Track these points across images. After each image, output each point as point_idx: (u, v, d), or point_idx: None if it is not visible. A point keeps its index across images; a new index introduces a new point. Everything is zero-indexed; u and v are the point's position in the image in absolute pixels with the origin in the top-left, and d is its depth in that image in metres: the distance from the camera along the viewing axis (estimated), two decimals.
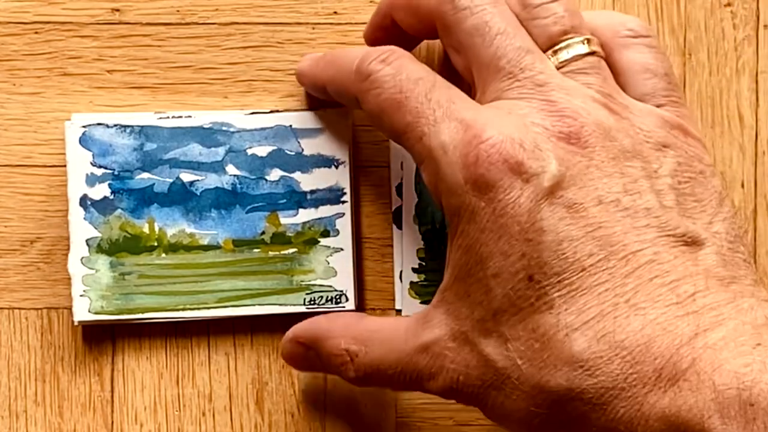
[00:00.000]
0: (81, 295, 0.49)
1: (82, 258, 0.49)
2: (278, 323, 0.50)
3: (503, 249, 0.42)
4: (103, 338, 0.51)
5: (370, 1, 0.51)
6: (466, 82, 0.46)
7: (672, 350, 0.40)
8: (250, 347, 0.51)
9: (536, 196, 0.41)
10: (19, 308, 0.51)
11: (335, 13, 0.51)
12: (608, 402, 0.40)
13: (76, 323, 0.49)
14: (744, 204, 0.51)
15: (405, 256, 0.50)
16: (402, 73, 0.44)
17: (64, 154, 0.50)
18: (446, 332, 0.44)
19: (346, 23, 0.51)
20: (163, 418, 0.51)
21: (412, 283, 0.50)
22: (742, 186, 0.51)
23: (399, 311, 0.51)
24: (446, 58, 0.48)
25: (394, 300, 0.51)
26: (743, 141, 0.51)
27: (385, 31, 0.48)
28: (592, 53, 0.45)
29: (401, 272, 0.50)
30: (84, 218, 0.49)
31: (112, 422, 0.51)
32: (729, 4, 0.51)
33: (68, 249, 0.50)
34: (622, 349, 0.40)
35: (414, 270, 0.50)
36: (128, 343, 0.51)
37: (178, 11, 0.51)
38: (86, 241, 0.49)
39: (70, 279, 0.49)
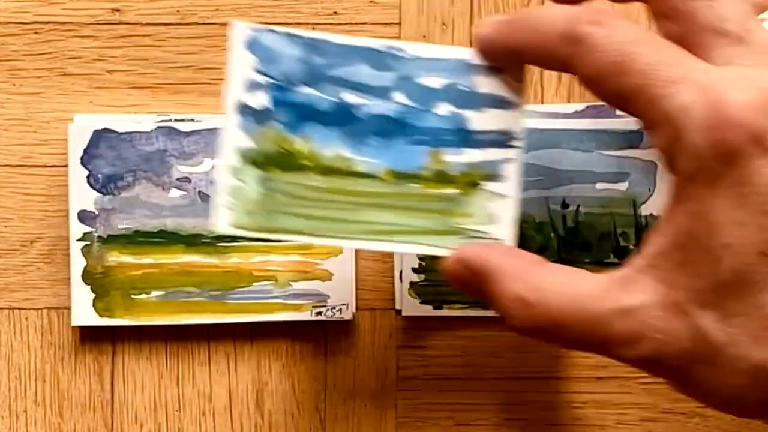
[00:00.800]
0: (227, 207, 0.44)
1: (232, 168, 0.44)
2: (278, 324, 0.50)
3: (740, 219, 0.39)
4: (103, 338, 0.51)
5: (370, 2, 0.51)
6: None
7: None
8: (250, 348, 0.51)
9: None
10: (19, 308, 0.51)
11: (335, 13, 0.51)
12: None
13: (219, 231, 0.43)
14: None
15: (405, 256, 0.50)
16: (619, 34, 0.42)
17: (65, 154, 0.50)
18: (655, 299, 0.41)
19: (346, 23, 0.51)
20: (163, 418, 0.51)
21: (412, 283, 0.50)
22: None
23: (399, 312, 0.51)
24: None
25: (394, 300, 0.51)
26: None
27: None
28: None
29: (401, 272, 0.50)
30: (238, 126, 0.44)
31: (112, 422, 0.51)
32: None
33: (68, 249, 0.50)
34: None
35: (414, 270, 0.50)
36: (128, 344, 0.51)
37: (178, 11, 0.51)
38: (238, 150, 0.44)
39: (69, 278, 0.49)
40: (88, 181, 0.49)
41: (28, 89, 0.51)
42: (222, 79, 0.51)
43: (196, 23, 0.51)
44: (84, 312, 0.49)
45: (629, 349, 0.41)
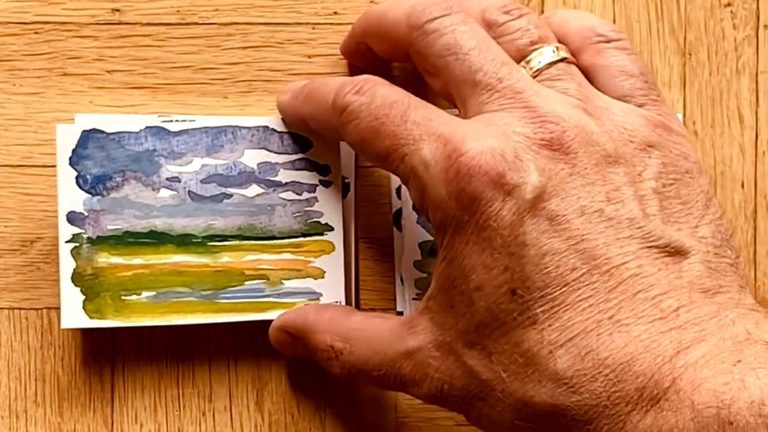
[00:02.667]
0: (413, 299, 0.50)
1: (415, 262, 0.50)
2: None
3: (486, 262, 0.41)
4: (103, 339, 0.51)
5: (370, 2, 0.51)
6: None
7: (654, 369, 0.39)
8: (250, 348, 0.51)
9: (518, 209, 0.41)
10: (19, 308, 0.51)
11: (335, 13, 0.51)
12: (592, 419, 0.40)
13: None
14: (744, 204, 0.51)
15: (405, 257, 0.50)
16: (376, 99, 0.44)
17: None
18: (431, 340, 0.44)
19: (346, 23, 0.51)
20: (163, 418, 0.51)
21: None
22: (742, 186, 0.51)
23: (401, 313, 0.51)
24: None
25: (394, 300, 0.51)
26: (743, 141, 0.51)
27: (361, 54, 0.49)
28: (562, 59, 0.45)
29: (401, 274, 0.50)
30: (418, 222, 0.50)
31: (112, 422, 0.51)
32: (729, 4, 0.51)
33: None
34: (605, 367, 0.40)
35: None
36: (128, 344, 0.51)
37: (178, 11, 0.51)
38: (419, 244, 0.50)
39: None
40: (77, 182, 0.49)
41: (28, 89, 0.51)
42: (223, 79, 0.51)
43: (196, 23, 0.51)
44: (74, 314, 0.48)
45: (417, 388, 0.44)
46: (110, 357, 0.51)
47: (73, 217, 0.49)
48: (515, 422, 0.42)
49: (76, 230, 0.49)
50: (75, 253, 0.49)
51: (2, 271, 0.51)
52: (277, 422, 0.51)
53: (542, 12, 0.51)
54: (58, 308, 0.50)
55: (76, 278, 0.49)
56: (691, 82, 0.51)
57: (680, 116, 0.50)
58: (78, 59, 0.51)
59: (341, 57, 0.51)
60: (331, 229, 0.49)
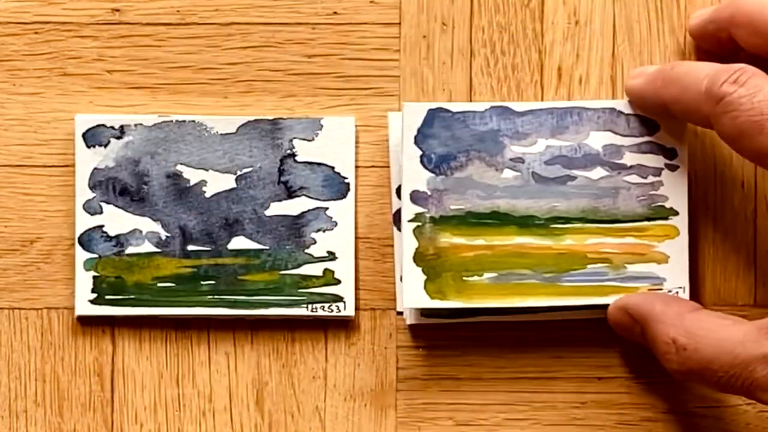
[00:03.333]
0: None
1: None
2: (278, 323, 0.50)
3: None
4: (103, 338, 0.51)
5: (371, 2, 0.51)
6: None
7: None
8: (250, 347, 0.51)
9: None
10: (19, 308, 0.51)
11: (335, 13, 0.51)
12: None
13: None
14: (744, 204, 0.51)
15: (405, 257, 0.50)
16: (759, 93, 0.43)
17: (65, 154, 0.50)
18: None
19: (346, 23, 0.51)
20: (163, 418, 0.51)
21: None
22: (742, 186, 0.51)
23: (400, 313, 0.51)
24: None
25: (394, 300, 0.51)
26: None
27: (716, 41, 0.48)
28: None
29: (402, 275, 0.50)
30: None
31: (112, 422, 0.51)
32: None
33: (69, 249, 0.50)
34: None
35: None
36: (128, 343, 0.51)
37: (178, 11, 0.51)
38: None
39: (70, 279, 0.49)
40: (422, 161, 0.48)
41: (28, 89, 0.51)
42: (223, 79, 0.51)
43: (196, 23, 0.51)
44: (416, 294, 0.48)
45: None
46: (110, 357, 0.51)
47: (416, 197, 0.48)
48: None
49: (419, 209, 0.48)
50: (417, 232, 0.49)
51: (2, 271, 0.51)
52: (277, 422, 0.51)
53: (542, 13, 0.51)
54: (58, 308, 0.50)
55: (418, 258, 0.48)
56: None
57: None
58: (78, 59, 0.51)
59: (341, 57, 0.51)
60: (676, 213, 0.49)
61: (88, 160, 0.49)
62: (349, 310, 0.50)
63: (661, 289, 0.49)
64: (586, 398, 0.51)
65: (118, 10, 0.51)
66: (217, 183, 0.49)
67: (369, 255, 0.51)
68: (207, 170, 0.49)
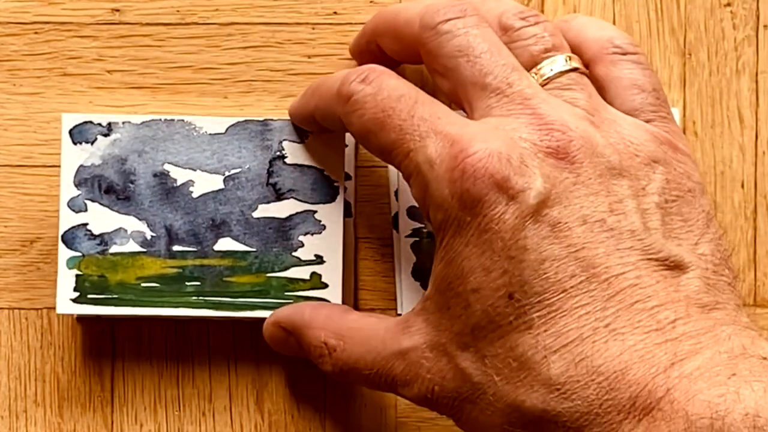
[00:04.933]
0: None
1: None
2: None
3: (485, 264, 0.41)
4: (103, 338, 0.51)
5: (371, 2, 0.51)
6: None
7: (648, 379, 0.39)
8: (250, 347, 0.51)
9: (521, 214, 0.41)
10: (19, 308, 0.51)
11: (335, 13, 0.51)
12: (583, 427, 0.40)
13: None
14: (744, 204, 0.51)
15: (404, 259, 0.50)
16: (383, 91, 0.44)
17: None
18: (425, 341, 0.44)
19: (346, 23, 0.51)
20: (163, 418, 0.51)
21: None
22: (742, 186, 0.51)
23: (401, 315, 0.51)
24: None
25: (394, 300, 0.51)
26: (743, 141, 0.51)
27: (371, 54, 0.49)
28: (574, 69, 0.45)
29: (401, 277, 0.50)
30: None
31: (112, 422, 0.51)
32: (729, 4, 0.51)
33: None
34: (598, 375, 0.40)
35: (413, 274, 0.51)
36: (128, 343, 0.51)
37: (178, 11, 0.51)
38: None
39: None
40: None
41: (28, 89, 0.51)
42: (223, 79, 0.51)
43: (196, 23, 0.51)
44: (409, 307, 0.49)
45: (408, 389, 0.44)
46: (110, 357, 0.51)
47: (414, 213, 0.49)
48: (505, 427, 0.42)
49: (417, 225, 0.50)
50: (416, 247, 0.49)
51: (2, 271, 0.51)
52: (277, 422, 0.51)
53: (542, 13, 0.51)
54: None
55: (416, 273, 0.49)
56: (691, 82, 0.51)
57: (680, 116, 0.50)
58: (78, 59, 0.51)
59: (341, 57, 0.51)
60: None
61: (74, 157, 0.49)
62: None
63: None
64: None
65: (118, 10, 0.51)
66: (205, 183, 0.49)
67: (369, 255, 0.51)
68: (195, 170, 0.49)
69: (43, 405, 0.51)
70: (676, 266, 0.42)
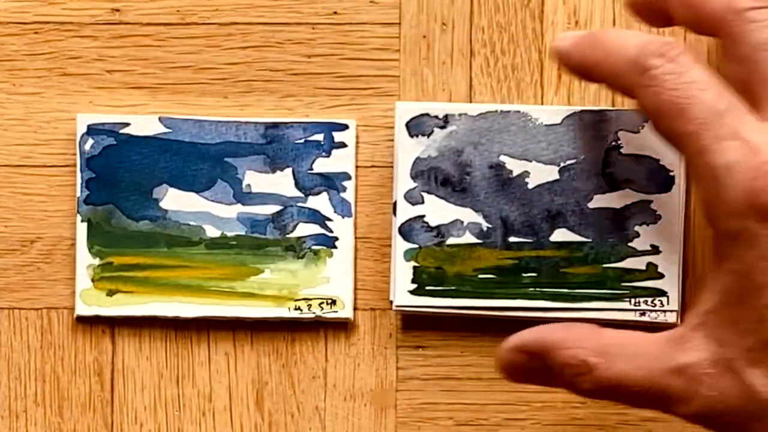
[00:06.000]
0: None
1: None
2: (278, 324, 0.50)
3: None
4: (103, 338, 0.51)
5: (371, 2, 0.51)
6: None
7: None
8: (250, 347, 0.51)
9: None
10: (19, 308, 0.51)
11: (335, 13, 0.51)
12: None
13: None
14: None
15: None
16: (687, 74, 0.42)
17: (65, 154, 0.50)
18: (707, 357, 0.42)
19: (346, 23, 0.51)
20: (163, 418, 0.51)
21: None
22: None
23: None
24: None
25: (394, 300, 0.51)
26: None
27: (656, 16, 0.46)
28: None
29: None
30: None
31: (112, 422, 0.51)
32: None
33: (69, 249, 0.50)
34: None
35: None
36: (128, 343, 0.51)
37: (178, 11, 0.51)
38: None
39: (70, 279, 0.49)
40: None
41: (28, 89, 0.51)
42: (223, 79, 0.51)
43: (196, 23, 0.51)
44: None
45: (684, 407, 0.42)
46: (110, 357, 0.51)
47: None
48: None
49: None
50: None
51: (2, 271, 0.51)
52: (277, 422, 0.51)
53: (542, 13, 0.51)
54: (58, 308, 0.50)
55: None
56: None
57: None
58: (78, 59, 0.51)
59: (341, 57, 0.51)
60: None
61: (410, 150, 0.49)
62: (672, 305, 0.49)
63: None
64: (586, 398, 0.51)
65: (118, 10, 0.51)
66: (540, 174, 0.49)
67: (369, 255, 0.51)
68: (530, 161, 0.49)
69: (43, 405, 0.51)
70: None
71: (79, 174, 0.49)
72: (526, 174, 0.49)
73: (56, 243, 0.50)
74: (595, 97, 0.51)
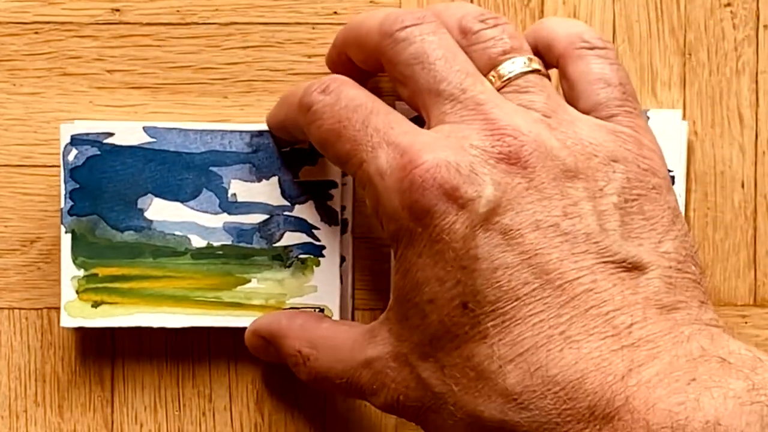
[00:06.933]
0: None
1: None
2: None
3: (438, 275, 0.41)
4: (103, 338, 0.51)
5: (370, 1, 0.51)
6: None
7: (605, 387, 0.39)
8: None
9: (471, 223, 0.41)
10: (19, 308, 0.51)
11: (335, 13, 0.51)
12: None
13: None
14: (744, 204, 0.51)
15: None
16: (341, 101, 0.44)
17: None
18: (388, 351, 0.44)
19: (346, 23, 0.51)
20: (163, 418, 0.51)
21: None
22: (742, 186, 0.51)
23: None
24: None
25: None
26: (743, 141, 0.51)
27: (343, 65, 0.48)
28: (534, 71, 0.44)
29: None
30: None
31: (112, 422, 0.51)
32: (729, 4, 0.51)
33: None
34: (554, 385, 0.39)
35: None
36: (128, 343, 0.51)
37: (178, 11, 0.51)
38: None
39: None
40: None
41: (28, 89, 0.51)
42: (223, 79, 0.51)
43: (196, 23, 0.51)
44: None
45: (375, 398, 0.44)
46: (110, 357, 0.51)
47: None
48: None
49: None
50: None
51: (2, 271, 0.51)
52: (277, 422, 0.51)
53: (542, 13, 0.51)
54: (58, 308, 0.50)
55: None
56: (691, 82, 0.51)
57: (680, 115, 0.50)
58: (78, 59, 0.51)
59: None
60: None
61: None
62: None
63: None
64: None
65: (118, 10, 0.51)
66: None
67: (369, 255, 0.51)
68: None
69: (43, 405, 0.51)
70: (634, 267, 0.41)
71: (63, 185, 0.49)
72: None
73: (56, 243, 0.50)
74: None
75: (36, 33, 0.51)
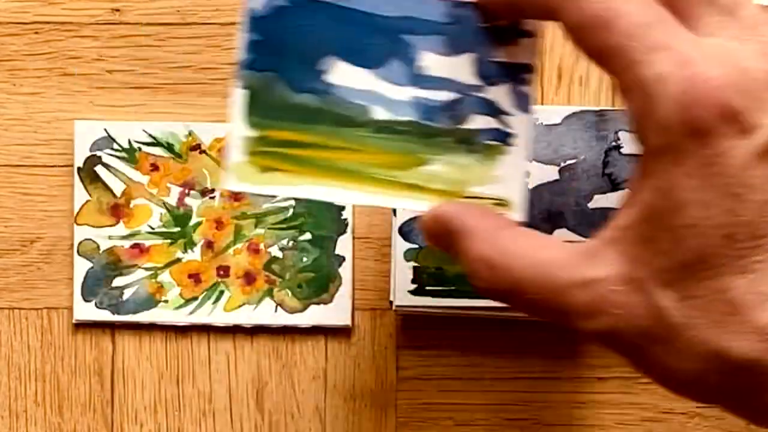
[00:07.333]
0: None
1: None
2: (277, 325, 0.50)
3: (705, 199, 0.38)
4: (103, 338, 0.51)
5: None
6: None
7: None
8: (250, 347, 0.51)
9: (753, 150, 0.38)
10: (19, 308, 0.51)
11: None
12: None
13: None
14: None
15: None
16: None
17: (64, 154, 0.50)
18: (617, 273, 0.40)
19: None
20: (163, 418, 0.51)
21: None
22: None
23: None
24: None
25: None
26: None
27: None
28: None
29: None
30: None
31: (112, 422, 0.51)
32: None
33: (69, 249, 0.50)
34: None
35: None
36: (128, 343, 0.51)
37: (178, 11, 0.51)
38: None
39: (70, 279, 0.49)
40: None
41: (28, 89, 0.51)
42: (223, 79, 0.51)
43: (196, 23, 0.51)
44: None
45: (587, 322, 0.40)
46: (110, 357, 0.51)
47: None
48: (700, 373, 0.39)
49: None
50: None
51: (2, 271, 0.51)
52: (277, 422, 0.51)
53: None
54: (58, 308, 0.50)
55: None
56: None
57: None
58: (78, 59, 0.51)
59: None
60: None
61: None
62: None
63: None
64: (585, 398, 0.51)
65: (118, 10, 0.51)
66: (541, 174, 0.48)
67: (369, 255, 0.51)
68: (530, 161, 0.47)
69: (43, 405, 0.51)
70: None
71: (243, 35, 0.43)
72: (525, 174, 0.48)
73: (56, 243, 0.50)
74: (595, 97, 0.51)
75: (36, 33, 0.51)
